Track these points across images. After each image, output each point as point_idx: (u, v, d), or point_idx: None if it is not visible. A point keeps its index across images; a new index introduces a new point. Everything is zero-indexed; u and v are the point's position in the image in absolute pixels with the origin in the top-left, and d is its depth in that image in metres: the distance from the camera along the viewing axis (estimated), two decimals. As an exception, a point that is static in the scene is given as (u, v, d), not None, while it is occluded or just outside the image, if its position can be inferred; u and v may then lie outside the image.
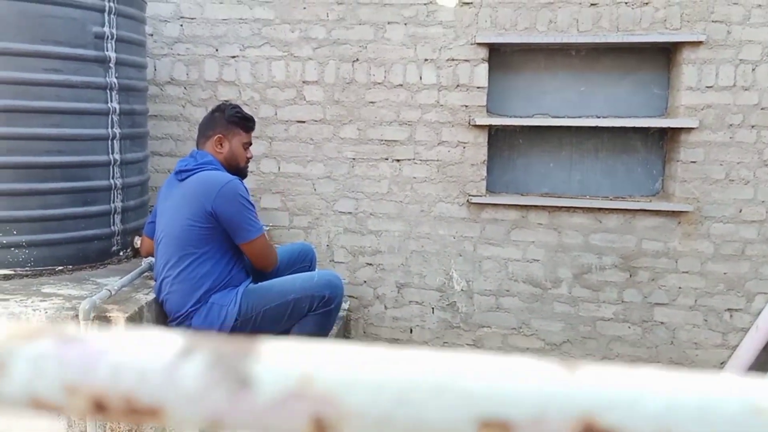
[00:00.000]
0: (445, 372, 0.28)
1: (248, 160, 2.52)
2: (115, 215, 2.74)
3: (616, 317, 3.53)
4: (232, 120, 2.44)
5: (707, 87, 3.33)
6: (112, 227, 2.74)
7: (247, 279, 2.38)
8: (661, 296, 3.47)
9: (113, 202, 2.73)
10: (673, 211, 3.40)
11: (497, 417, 0.27)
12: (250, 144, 2.54)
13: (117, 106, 2.72)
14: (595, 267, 3.51)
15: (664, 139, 3.57)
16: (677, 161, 3.41)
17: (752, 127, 3.31)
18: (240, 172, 2.46)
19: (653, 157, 3.61)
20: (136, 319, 2.19)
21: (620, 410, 0.27)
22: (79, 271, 2.60)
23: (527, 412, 0.27)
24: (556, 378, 0.28)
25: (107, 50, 2.66)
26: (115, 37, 2.69)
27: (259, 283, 2.38)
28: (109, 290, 2.16)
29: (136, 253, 2.85)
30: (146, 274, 2.52)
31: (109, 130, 2.69)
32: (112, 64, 2.68)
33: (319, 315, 2.34)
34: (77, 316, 2.02)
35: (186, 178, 2.30)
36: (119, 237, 2.78)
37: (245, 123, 2.48)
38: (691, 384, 0.29)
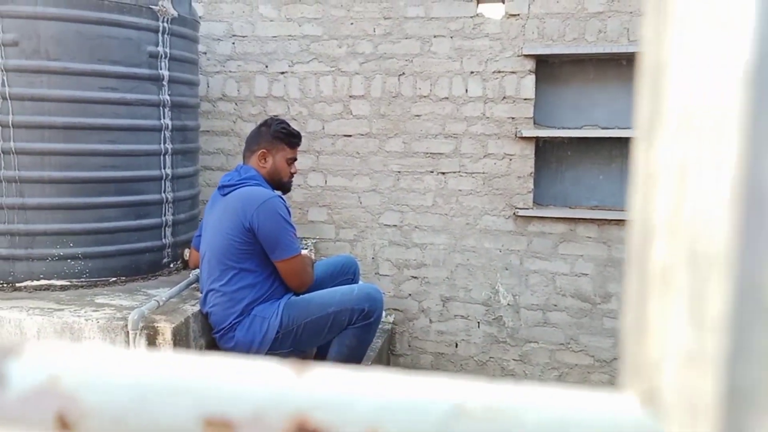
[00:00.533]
0: (178, 373, 0.30)
1: (292, 175, 2.56)
2: (166, 228, 2.84)
3: (669, 334, 3.41)
4: (277, 135, 2.49)
5: None
6: (163, 240, 2.83)
7: (289, 292, 2.41)
8: (717, 313, 3.35)
9: (164, 215, 2.82)
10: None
11: (220, 415, 0.28)
12: (295, 159, 2.57)
13: (170, 123, 2.82)
14: (646, 282, 3.41)
15: (720, 151, 3.45)
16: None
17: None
18: (283, 187, 2.50)
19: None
20: (182, 329, 2.26)
21: (333, 410, 0.28)
22: (132, 282, 2.70)
23: (247, 411, 0.28)
24: (280, 379, 0.29)
25: (161, 69, 2.76)
26: (168, 56, 2.79)
27: (301, 296, 2.41)
28: (158, 301, 2.23)
29: (186, 265, 2.93)
30: (194, 285, 2.59)
31: (162, 145, 2.78)
32: (165, 82, 2.78)
33: (359, 328, 2.36)
34: (127, 326, 2.10)
35: (228, 192, 2.36)
36: (170, 249, 2.87)
37: (290, 138, 2.52)
38: (406, 386, 0.30)
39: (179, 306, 2.40)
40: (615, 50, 3.33)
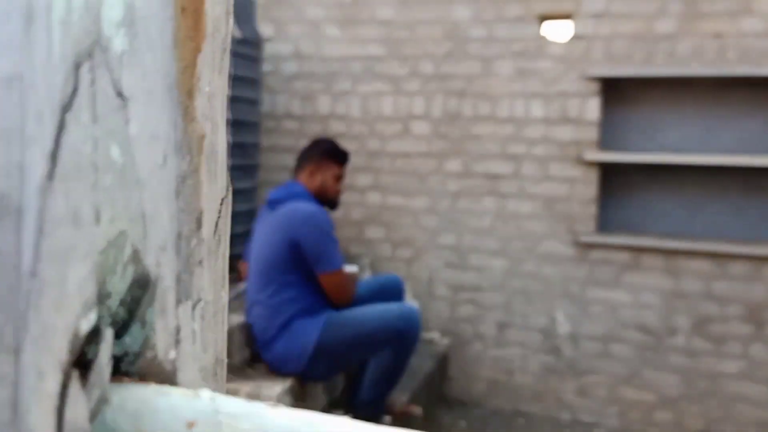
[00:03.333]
0: None
1: (339, 192, 2.58)
2: (222, 240, 2.91)
3: (740, 373, 3.19)
4: (326, 153, 2.53)
5: None
6: (218, 252, 2.91)
7: (330, 307, 2.42)
8: (796, 355, 3.10)
9: (220, 228, 2.90)
10: (812, 260, 3.04)
11: None
12: (342, 177, 2.60)
13: (230, 139, 2.91)
14: (716, 317, 3.21)
15: (804, 180, 3.22)
16: (818, 204, 3.06)
17: None
18: (330, 203, 2.53)
19: (790, 199, 3.26)
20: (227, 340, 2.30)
21: None
22: (186, 291, 2.78)
23: None
24: None
25: (222, 87, 2.86)
26: (231, 75, 2.89)
27: (341, 311, 2.42)
28: (203, 311, 2.29)
29: (239, 278, 3.00)
30: (241, 297, 2.65)
31: (220, 160, 2.87)
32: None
33: (394, 349, 2.34)
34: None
35: (276, 207, 2.41)
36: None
37: (338, 157, 2.56)
38: None
39: (228, 315, 2.45)
40: (684, 73, 3.18)
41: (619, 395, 3.39)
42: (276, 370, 2.37)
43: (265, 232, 2.41)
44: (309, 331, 2.30)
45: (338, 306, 2.41)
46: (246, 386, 2.26)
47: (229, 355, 2.29)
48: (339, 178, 2.57)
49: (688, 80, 3.32)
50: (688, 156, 3.28)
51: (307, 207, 2.37)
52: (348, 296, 2.40)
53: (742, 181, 3.31)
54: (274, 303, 2.33)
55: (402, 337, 2.32)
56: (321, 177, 2.51)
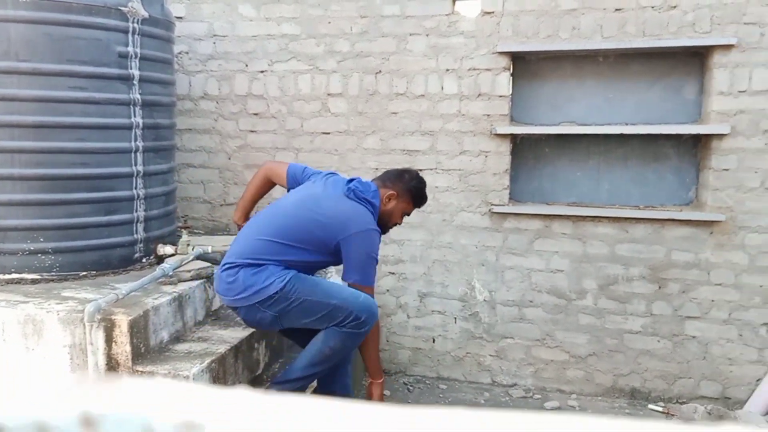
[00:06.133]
0: None
1: (396, 225, 2.65)
2: (138, 224, 2.90)
3: (644, 330, 3.41)
4: (410, 190, 2.59)
5: (740, 91, 3.19)
6: (135, 235, 2.89)
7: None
8: (692, 309, 3.34)
9: (136, 211, 2.88)
10: (705, 221, 3.27)
11: None
12: (408, 215, 2.67)
13: (141, 121, 2.88)
14: (621, 278, 3.41)
15: (698, 147, 3.44)
16: (709, 169, 3.28)
17: (789, 132, 3.14)
18: (384, 228, 2.58)
19: (686, 165, 3.48)
20: (140, 322, 2.32)
21: None
22: (102, 276, 2.77)
23: None
24: None
25: (131, 68, 2.82)
26: (139, 56, 2.85)
27: (313, 276, 2.47)
28: (117, 294, 2.29)
29: (160, 260, 2.99)
30: (161, 279, 2.65)
31: (132, 143, 2.85)
32: (135, 81, 2.85)
33: (347, 334, 2.38)
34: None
35: (348, 194, 2.44)
36: (142, 245, 2.93)
37: (418, 200, 2.64)
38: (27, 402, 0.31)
39: (141, 299, 2.46)
40: (588, 47, 3.33)
41: (534, 356, 3.57)
42: (228, 296, 2.39)
43: (313, 198, 2.44)
44: (276, 276, 2.33)
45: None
46: (163, 368, 2.28)
47: (144, 338, 2.30)
48: (406, 215, 2.65)
49: (592, 54, 3.48)
50: (592, 127, 3.46)
51: (369, 221, 2.42)
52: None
53: (641, 150, 3.51)
54: (267, 250, 2.37)
55: (358, 326, 2.36)
56: (394, 205, 2.56)
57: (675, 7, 3.23)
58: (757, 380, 3.27)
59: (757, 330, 3.27)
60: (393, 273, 3.69)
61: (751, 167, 3.21)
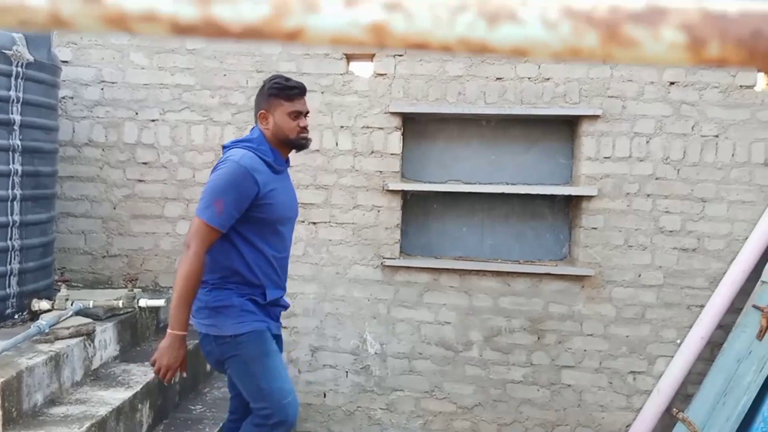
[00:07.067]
0: None
1: (302, 129, 2.33)
2: (11, 277, 2.72)
3: (525, 380, 3.59)
4: (271, 93, 2.32)
5: (605, 158, 3.52)
6: (7, 289, 2.71)
7: (276, 291, 2.33)
8: (567, 359, 3.56)
9: (9, 263, 2.70)
10: (577, 276, 3.53)
11: None
12: (300, 113, 2.34)
13: (20, 168, 2.73)
14: (504, 330, 3.59)
15: (570, 206, 3.73)
16: (580, 227, 3.56)
17: (648, 195, 3.49)
18: (293, 144, 2.34)
19: (560, 224, 3.76)
20: (13, 384, 2.15)
21: None
22: (-32, 334, 2.55)
23: None
24: None
25: (12, 113, 2.69)
26: (21, 100, 2.73)
27: (264, 348, 2.27)
28: (-14, 355, 2.12)
29: (35, 316, 2.80)
30: (36, 337, 2.48)
31: (9, 191, 2.69)
32: (16, 127, 2.71)
33: (263, 421, 2.24)
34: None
35: (223, 158, 2.28)
36: (15, 300, 2.74)
37: (285, 92, 2.31)
38: None
39: (14, 359, 2.29)
40: (472, 111, 3.56)
41: (423, 408, 3.64)
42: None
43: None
44: (231, 320, 2.21)
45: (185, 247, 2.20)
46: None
47: (17, 400, 2.14)
48: (293, 114, 2.31)
49: (476, 117, 3.71)
50: (477, 186, 3.67)
51: (232, 154, 2.22)
52: (190, 243, 2.13)
53: (520, 208, 3.75)
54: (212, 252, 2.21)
55: (274, 423, 2.23)
56: (273, 119, 2.31)
57: (548, 79, 3.54)
58: (627, 426, 3.52)
59: (625, 378, 3.53)
60: (285, 327, 3.65)
61: (616, 226, 3.52)
